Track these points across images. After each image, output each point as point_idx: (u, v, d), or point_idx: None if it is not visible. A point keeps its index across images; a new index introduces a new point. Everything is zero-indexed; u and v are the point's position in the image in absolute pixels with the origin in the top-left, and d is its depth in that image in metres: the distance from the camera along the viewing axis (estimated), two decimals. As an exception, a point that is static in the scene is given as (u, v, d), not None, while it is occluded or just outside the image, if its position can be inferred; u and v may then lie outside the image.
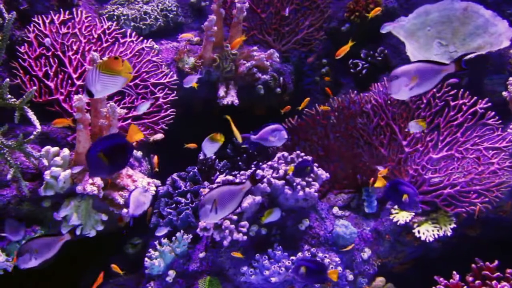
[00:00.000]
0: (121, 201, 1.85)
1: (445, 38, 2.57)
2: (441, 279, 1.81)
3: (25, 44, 2.09)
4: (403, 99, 1.30)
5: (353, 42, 2.09)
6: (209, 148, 1.68)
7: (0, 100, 1.69)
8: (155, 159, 2.17)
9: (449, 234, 1.93)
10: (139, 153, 2.11)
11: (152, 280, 1.97)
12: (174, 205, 2.13)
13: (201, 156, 1.69)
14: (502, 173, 1.97)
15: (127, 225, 1.96)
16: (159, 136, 2.13)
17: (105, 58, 1.52)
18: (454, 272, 1.81)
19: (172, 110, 2.25)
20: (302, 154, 1.99)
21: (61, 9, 2.24)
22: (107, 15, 2.47)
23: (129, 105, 2.18)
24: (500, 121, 2.04)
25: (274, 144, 1.73)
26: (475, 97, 2.06)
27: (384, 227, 2.04)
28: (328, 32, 2.77)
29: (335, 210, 2.09)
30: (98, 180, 1.79)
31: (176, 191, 2.18)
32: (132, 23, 2.48)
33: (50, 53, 2.11)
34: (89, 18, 2.30)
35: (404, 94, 1.29)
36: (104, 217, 1.85)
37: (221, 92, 2.32)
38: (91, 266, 2.18)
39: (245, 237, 1.79)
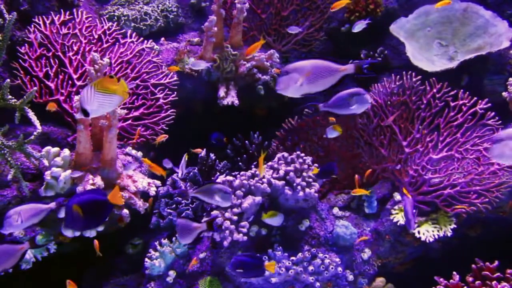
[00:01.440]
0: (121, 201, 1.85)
1: (445, 38, 2.57)
2: (441, 279, 1.81)
3: (26, 44, 2.09)
4: (295, 96, 1.23)
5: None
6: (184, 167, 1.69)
7: (1, 101, 1.69)
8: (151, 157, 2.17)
9: (449, 234, 1.93)
10: (139, 154, 2.11)
11: (152, 281, 1.98)
12: (174, 205, 2.13)
13: (178, 176, 1.68)
14: (502, 174, 1.97)
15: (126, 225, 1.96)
16: (163, 137, 2.13)
17: (100, 77, 1.52)
18: (454, 273, 1.81)
19: (172, 110, 2.25)
20: (302, 154, 1.99)
21: (62, 10, 2.24)
22: (107, 16, 2.47)
23: (129, 105, 2.19)
24: (500, 121, 2.04)
25: (353, 111, 1.50)
26: (475, 98, 2.06)
27: (384, 227, 2.04)
28: (328, 33, 2.77)
29: (335, 210, 2.09)
30: (98, 181, 1.79)
31: (176, 192, 2.18)
32: (133, 24, 2.48)
33: (50, 54, 2.11)
34: (90, 19, 2.30)
35: (294, 91, 1.24)
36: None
37: (221, 92, 2.33)
38: (91, 267, 2.19)
39: (245, 238, 1.79)
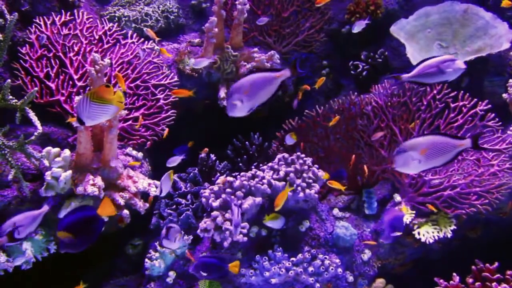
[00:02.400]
0: (121, 202, 1.85)
1: (446, 40, 2.58)
2: (441, 280, 1.81)
3: (27, 45, 2.10)
4: (242, 115, 1.32)
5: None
6: (166, 187, 1.70)
7: (2, 101, 1.70)
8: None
9: (449, 235, 1.93)
10: (139, 154, 2.11)
11: (152, 281, 1.98)
12: (174, 206, 2.13)
13: (160, 193, 1.65)
14: (502, 175, 1.97)
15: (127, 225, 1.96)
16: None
17: (96, 87, 1.53)
18: (454, 274, 1.81)
19: (172, 111, 2.26)
20: (303, 155, 1.99)
21: (63, 10, 2.24)
22: (108, 17, 2.47)
23: (130, 106, 2.19)
24: (500, 123, 2.04)
25: (445, 78, 1.43)
26: (475, 99, 2.06)
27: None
28: (328, 34, 2.78)
29: (335, 211, 2.09)
30: (99, 181, 1.79)
31: (177, 192, 2.18)
32: (133, 25, 2.49)
33: (51, 54, 2.12)
34: (90, 20, 2.30)
35: (241, 110, 1.30)
36: (105, 218, 1.85)
37: (222, 93, 2.33)
38: (91, 267, 2.19)
39: (245, 238, 1.79)
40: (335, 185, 1.94)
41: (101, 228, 1.40)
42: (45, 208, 1.47)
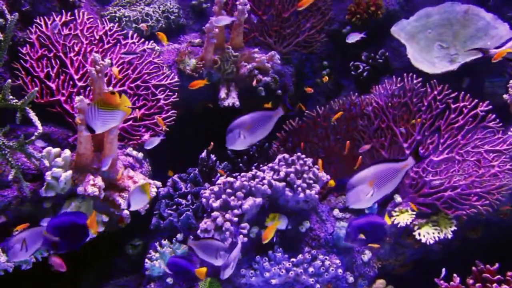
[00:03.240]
0: (122, 202, 1.85)
1: (446, 40, 2.58)
2: (442, 281, 1.81)
3: (27, 45, 2.09)
4: (241, 149, 1.44)
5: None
6: (137, 201, 1.59)
7: (2, 101, 1.70)
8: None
9: (449, 236, 1.93)
10: (140, 155, 2.11)
11: (152, 282, 1.97)
12: (174, 206, 2.13)
13: (128, 207, 1.62)
14: (502, 176, 1.97)
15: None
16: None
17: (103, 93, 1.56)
18: (455, 275, 1.80)
19: (173, 111, 2.26)
20: (303, 156, 1.99)
21: (63, 11, 2.24)
22: (108, 17, 2.47)
23: (130, 106, 2.18)
24: (500, 123, 2.04)
25: None
26: (476, 100, 2.06)
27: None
28: (329, 34, 2.78)
29: (336, 212, 2.09)
30: (99, 181, 1.79)
31: (177, 193, 2.18)
32: (134, 25, 2.49)
33: (52, 54, 2.11)
34: (91, 20, 2.30)
35: (242, 144, 1.41)
36: (105, 218, 1.85)
37: (222, 93, 2.33)
38: (91, 267, 2.19)
39: (245, 239, 1.79)
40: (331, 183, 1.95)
41: (86, 238, 1.41)
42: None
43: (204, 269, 1.68)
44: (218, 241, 1.63)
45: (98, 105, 1.31)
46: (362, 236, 1.59)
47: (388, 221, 1.66)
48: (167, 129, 2.22)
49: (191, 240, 1.64)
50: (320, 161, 2.00)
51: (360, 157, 2.14)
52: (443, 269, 1.80)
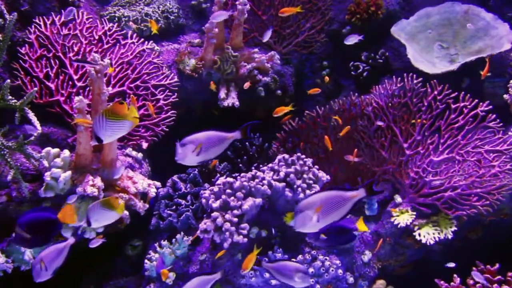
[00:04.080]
0: (121, 203, 1.84)
1: (446, 40, 2.57)
2: (442, 282, 1.80)
3: (26, 45, 2.09)
4: (192, 165, 1.46)
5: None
6: (99, 218, 1.49)
7: (1, 101, 1.69)
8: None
9: (450, 237, 1.92)
10: (139, 155, 2.10)
11: (152, 282, 1.97)
12: (174, 207, 2.13)
13: (89, 225, 1.54)
14: (503, 176, 1.97)
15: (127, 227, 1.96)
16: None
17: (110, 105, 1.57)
18: (455, 275, 1.80)
19: (172, 112, 2.25)
20: (303, 156, 1.98)
21: (62, 11, 2.24)
22: (108, 17, 2.47)
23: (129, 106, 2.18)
24: (501, 124, 2.03)
25: None
26: (476, 100, 2.05)
27: (385, 229, 2.03)
28: (329, 34, 2.77)
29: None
30: (98, 182, 1.78)
31: (177, 193, 2.18)
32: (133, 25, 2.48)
33: (51, 54, 2.11)
34: (90, 20, 2.30)
35: (192, 160, 1.40)
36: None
37: (222, 94, 2.32)
38: (91, 268, 2.18)
39: (245, 239, 1.79)
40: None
41: (56, 232, 1.41)
42: (71, 240, 1.50)
43: (165, 271, 1.70)
44: (295, 262, 1.61)
45: (106, 115, 1.31)
46: (323, 236, 1.64)
47: (362, 228, 1.65)
48: (167, 129, 2.22)
49: (265, 263, 1.63)
50: None
51: (356, 150, 2.14)
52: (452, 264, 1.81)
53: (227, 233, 1.78)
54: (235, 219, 1.81)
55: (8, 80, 1.73)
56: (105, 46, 2.25)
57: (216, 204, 1.84)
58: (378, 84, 2.30)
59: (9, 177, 1.72)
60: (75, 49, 2.16)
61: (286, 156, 2.00)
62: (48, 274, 1.45)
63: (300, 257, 1.83)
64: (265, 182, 1.87)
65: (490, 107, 2.04)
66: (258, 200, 1.84)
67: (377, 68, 2.64)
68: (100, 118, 1.31)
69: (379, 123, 2.10)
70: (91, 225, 1.47)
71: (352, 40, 2.32)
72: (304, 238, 1.93)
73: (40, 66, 2.07)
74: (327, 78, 2.29)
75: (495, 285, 1.72)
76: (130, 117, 1.34)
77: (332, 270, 1.83)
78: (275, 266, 1.59)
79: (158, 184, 2.03)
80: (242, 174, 1.95)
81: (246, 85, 2.27)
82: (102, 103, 1.81)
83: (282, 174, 1.90)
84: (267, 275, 1.79)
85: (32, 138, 1.69)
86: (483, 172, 1.97)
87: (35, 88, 1.82)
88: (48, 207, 1.73)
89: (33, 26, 2.13)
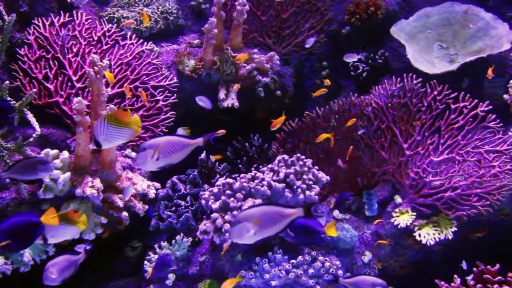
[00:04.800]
0: (120, 204, 1.84)
1: (446, 40, 2.57)
2: (442, 282, 1.80)
3: (25, 46, 2.09)
4: (152, 169, 1.41)
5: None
6: (54, 234, 1.43)
7: (0, 103, 1.69)
8: None
9: (450, 237, 1.92)
10: (139, 156, 2.10)
11: (151, 283, 1.96)
12: (174, 208, 2.12)
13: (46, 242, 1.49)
14: (503, 176, 1.96)
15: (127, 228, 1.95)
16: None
17: (114, 110, 1.56)
18: (455, 276, 1.80)
19: (172, 112, 2.25)
20: (303, 157, 1.98)
21: (61, 11, 2.24)
22: (107, 18, 2.46)
23: (129, 107, 2.18)
24: (501, 124, 2.03)
25: None
26: (476, 100, 2.05)
27: (385, 230, 2.03)
28: (328, 35, 2.77)
29: (336, 213, 2.08)
30: (97, 183, 1.78)
31: (176, 194, 2.17)
32: (132, 26, 2.48)
33: (50, 55, 2.11)
34: (89, 21, 2.30)
35: (152, 166, 1.38)
36: (104, 220, 1.84)
37: (222, 94, 2.32)
38: (91, 269, 2.17)
39: (245, 240, 1.78)
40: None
41: (38, 235, 1.39)
42: (82, 255, 1.53)
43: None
44: (371, 276, 1.64)
45: (109, 120, 1.30)
46: (290, 233, 1.70)
47: (331, 233, 1.64)
48: (166, 130, 2.22)
49: (342, 279, 1.64)
50: None
51: (351, 147, 2.13)
52: (464, 262, 1.81)
53: (227, 234, 1.78)
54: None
55: (7, 81, 1.73)
56: (104, 47, 2.25)
57: (215, 205, 1.84)
58: (378, 84, 2.30)
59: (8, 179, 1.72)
60: (74, 50, 2.15)
61: (286, 156, 1.99)
62: (56, 281, 1.46)
63: (300, 258, 1.83)
64: (264, 183, 1.86)
65: (490, 107, 2.03)
66: (258, 201, 1.84)
67: (377, 68, 2.64)
68: (102, 122, 1.30)
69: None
70: (47, 241, 1.42)
71: (351, 58, 2.34)
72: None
73: (39, 67, 2.07)
74: (328, 82, 2.28)
75: (496, 285, 1.71)
76: (133, 126, 1.33)
77: (333, 271, 1.82)
78: (352, 281, 1.63)
79: (158, 185, 2.03)
80: (242, 175, 1.94)
81: (236, 87, 2.27)
82: (102, 104, 1.81)
83: (282, 175, 1.90)
84: (267, 276, 1.79)
85: (31, 139, 1.68)
86: (483, 172, 1.97)
87: (34, 89, 1.82)
88: (31, 211, 1.72)
89: (32, 27, 2.13)
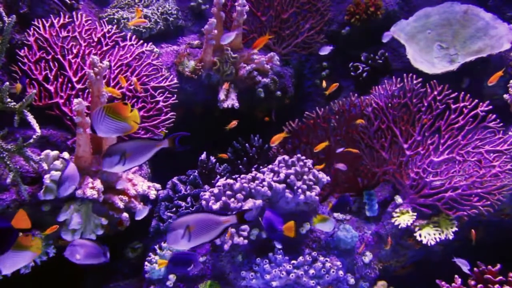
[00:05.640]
0: (121, 205, 1.84)
1: (446, 41, 2.57)
2: (443, 283, 1.80)
3: (25, 47, 2.09)
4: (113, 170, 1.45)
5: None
6: (7, 264, 1.34)
7: (0, 104, 1.69)
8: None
9: (450, 237, 1.92)
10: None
11: (152, 284, 1.96)
12: (174, 209, 2.12)
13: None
14: (503, 176, 1.96)
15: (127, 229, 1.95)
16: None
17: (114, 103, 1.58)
18: (456, 276, 1.80)
19: (172, 113, 2.25)
20: (303, 157, 1.98)
21: (61, 13, 2.23)
22: (107, 19, 2.47)
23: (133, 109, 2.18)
24: (501, 124, 2.03)
25: None
26: (476, 100, 2.05)
27: (386, 230, 2.03)
28: (328, 35, 2.77)
29: (336, 213, 2.08)
30: (98, 184, 1.78)
31: (177, 195, 2.17)
32: (132, 27, 2.48)
33: (50, 57, 2.11)
34: (89, 22, 2.29)
35: (118, 169, 1.41)
36: (104, 221, 1.84)
37: (222, 95, 2.32)
38: (91, 271, 2.18)
39: (245, 241, 1.78)
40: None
41: (14, 240, 1.35)
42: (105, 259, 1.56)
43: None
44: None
45: (107, 111, 1.31)
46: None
47: (289, 233, 1.64)
48: (166, 131, 2.22)
49: None
50: None
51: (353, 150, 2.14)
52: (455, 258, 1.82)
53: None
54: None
55: (7, 83, 1.73)
56: (104, 48, 2.25)
57: (216, 206, 1.84)
58: (378, 84, 2.30)
59: (9, 180, 1.71)
60: (74, 51, 2.15)
61: (286, 157, 1.99)
62: (79, 262, 1.49)
63: (300, 258, 1.83)
64: (265, 183, 1.86)
65: (490, 107, 2.03)
66: (258, 202, 1.84)
67: (377, 68, 2.64)
68: (100, 112, 1.31)
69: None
70: (1, 273, 1.34)
71: (324, 51, 2.35)
72: (304, 240, 1.93)
73: (39, 69, 2.07)
74: (333, 86, 2.30)
75: (496, 285, 1.71)
76: (129, 121, 1.34)
77: (333, 271, 1.82)
78: None
79: (158, 186, 2.03)
80: (242, 176, 1.94)
81: (226, 85, 2.27)
82: (101, 105, 1.81)
83: (282, 175, 1.90)
84: (267, 276, 1.79)
85: (32, 140, 1.68)
86: (483, 172, 1.97)
87: (34, 91, 1.81)
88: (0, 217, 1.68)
89: (32, 29, 2.13)
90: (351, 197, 2.15)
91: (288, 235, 1.61)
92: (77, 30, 2.22)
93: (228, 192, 1.86)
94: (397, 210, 2.02)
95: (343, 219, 2.08)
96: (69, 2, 2.31)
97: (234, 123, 2.16)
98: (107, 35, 2.29)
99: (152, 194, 1.95)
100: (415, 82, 2.15)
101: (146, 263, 1.97)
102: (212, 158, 2.30)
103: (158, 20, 2.56)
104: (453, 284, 1.78)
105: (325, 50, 2.33)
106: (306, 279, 1.79)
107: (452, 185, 1.96)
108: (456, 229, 1.93)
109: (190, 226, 1.28)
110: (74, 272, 2.13)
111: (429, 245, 1.92)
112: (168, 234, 1.30)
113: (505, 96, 2.23)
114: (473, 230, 1.93)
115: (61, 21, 2.20)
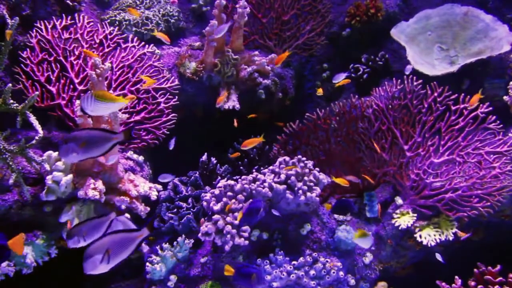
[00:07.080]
0: (122, 206, 1.85)
1: (446, 42, 2.58)
2: (443, 283, 1.80)
3: (28, 49, 2.10)
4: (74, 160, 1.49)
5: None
6: None
7: (3, 105, 1.70)
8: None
9: (450, 238, 1.92)
10: (140, 158, 2.11)
11: (153, 285, 1.97)
12: (175, 209, 2.13)
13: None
14: (503, 178, 1.97)
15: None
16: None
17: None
18: (456, 277, 1.80)
19: (173, 115, 2.26)
20: (304, 158, 1.99)
21: (63, 15, 2.25)
22: (109, 21, 2.48)
23: (131, 110, 2.19)
24: (501, 125, 2.04)
25: None
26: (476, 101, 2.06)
27: (386, 231, 2.04)
28: (329, 37, 2.78)
29: (337, 214, 2.09)
30: (100, 185, 1.79)
31: (178, 196, 2.18)
32: (134, 28, 2.49)
33: (52, 58, 2.12)
34: (91, 24, 2.31)
35: (74, 158, 1.41)
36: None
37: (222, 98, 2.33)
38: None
39: (246, 242, 1.79)
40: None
41: (5, 258, 1.40)
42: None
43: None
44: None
45: (96, 96, 1.36)
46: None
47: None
48: (168, 132, 2.23)
49: None
50: None
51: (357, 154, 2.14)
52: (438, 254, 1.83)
53: (228, 236, 1.78)
54: (236, 222, 1.82)
55: (10, 84, 1.74)
56: (106, 50, 2.26)
57: (217, 207, 1.85)
58: (378, 86, 2.31)
59: (11, 181, 1.73)
60: (76, 52, 2.16)
61: (287, 158, 2.00)
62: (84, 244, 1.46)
63: (301, 259, 1.83)
64: (266, 184, 1.87)
65: (490, 108, 2.04)
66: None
67: (377, 70, 2.65)
68: (89, 97, 1.36)
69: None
70: None
71: (338, 79, 2.35)
72: (305, 241, 1.94)
73: (42, 70, 2.08)
74: (321, 91, 2.31)
75: (496, 286, 1.72)
76: (120, 100, 1.40)
77: (334, 272, 1.83)
78: None
79: (159, 187, 2.03)
80: (243, 177, 1.95)
81: (225, 93, 2.29)
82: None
83: (283, 176, 1.91)
84: (268, 277, 1.79)
85: (34, 141, 1.69)
86: (483, 173, 1.97)
87: (37, 92, 1.83)
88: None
89: (34, 30, 2.14)
90: (351, 198, 2.16)
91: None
92: (79, 32, 2.23)
93: (229, 193, 1.87)
94: (398, 211, 2.03)
95: (344, 220, 2.08)
96: (71, 4, 2.32)
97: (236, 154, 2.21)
98: (109, 36, 2.30)
99: (154, 195, 1.96)
100: (415, 83, 2.16)
101: (147, 263, 1.98)
102: (213, 159, 2.30)
103: (159, 22, 2.57)
104: (453, 285, 1.79)
105: (339, 78, 2.34)
106: (306, 280, 1.80)
107: (452, 186, 1.97)
108: (456, 230, 1.94)
109: (108, 250, 1.31)
110: (75, 273, 2.14)
111: (429, 246, 1.93)
112: (85, 261, 1.31)
113: (505, 97, 2.23)
114: (459, 231, 1.94)
115: (63, 23, 2.22)
